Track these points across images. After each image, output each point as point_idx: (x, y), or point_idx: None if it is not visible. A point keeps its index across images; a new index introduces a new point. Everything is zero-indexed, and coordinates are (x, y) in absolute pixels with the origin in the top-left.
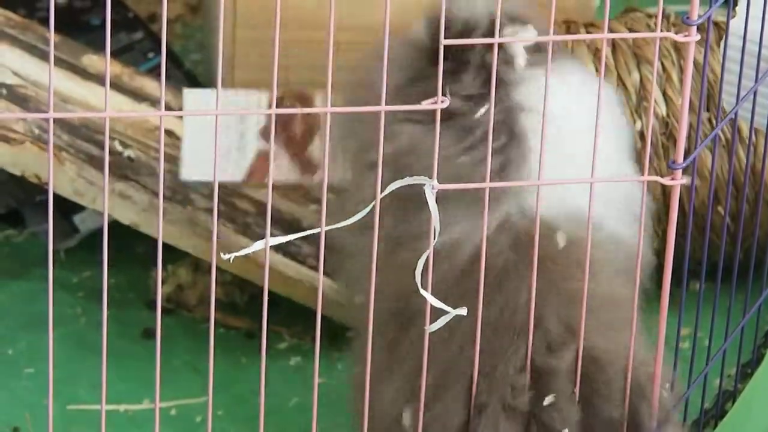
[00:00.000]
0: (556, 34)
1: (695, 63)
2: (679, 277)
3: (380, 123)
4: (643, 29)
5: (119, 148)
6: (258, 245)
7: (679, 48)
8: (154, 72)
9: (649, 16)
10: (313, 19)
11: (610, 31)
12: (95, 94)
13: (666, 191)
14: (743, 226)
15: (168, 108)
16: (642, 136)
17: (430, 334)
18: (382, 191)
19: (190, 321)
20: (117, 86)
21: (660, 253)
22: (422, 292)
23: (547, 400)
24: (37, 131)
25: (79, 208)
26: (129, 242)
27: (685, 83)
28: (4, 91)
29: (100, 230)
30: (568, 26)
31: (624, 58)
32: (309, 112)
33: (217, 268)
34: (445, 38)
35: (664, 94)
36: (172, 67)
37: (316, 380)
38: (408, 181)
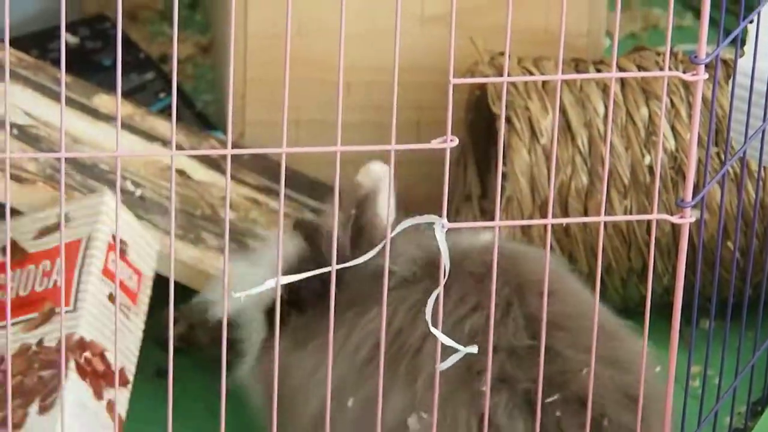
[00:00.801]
0: (565, 72)
1: (704, 98)
2: (689, 314)
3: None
4: (652, 67)
5: (131, 187)
6: (270, 283)
7: (687, 84)
8: (165, 112)
9: (658, 53)
10: (323, 59)
11: (620, 69)
12: (106, 134)
13: (675, 228)
14: (753, 261)
15: (179, 148)
16: (651, 170)
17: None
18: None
19: (203, 360)
20: (128, 126)
21: (669, 291)
22: (433, 330)
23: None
24: (49, 171)
25: None
26: None
27: (693, 122)
28: (16, 131)
29: None
30: (577, 64)
31: (633, 94)
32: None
33: None
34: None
35: (673, 128)
36: (183, 107)
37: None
38: (418, 219)
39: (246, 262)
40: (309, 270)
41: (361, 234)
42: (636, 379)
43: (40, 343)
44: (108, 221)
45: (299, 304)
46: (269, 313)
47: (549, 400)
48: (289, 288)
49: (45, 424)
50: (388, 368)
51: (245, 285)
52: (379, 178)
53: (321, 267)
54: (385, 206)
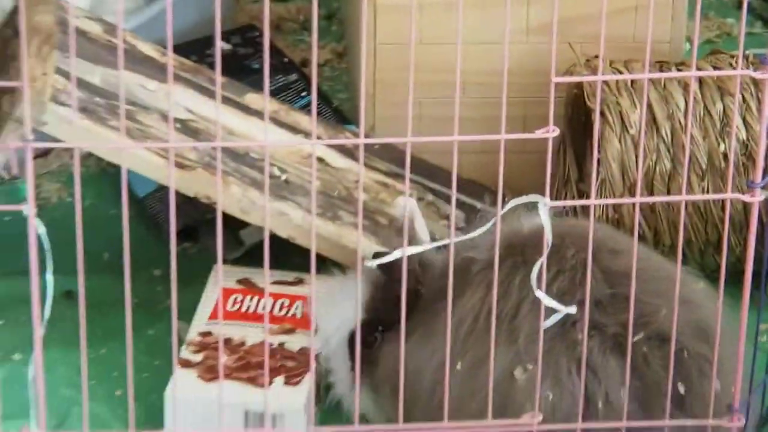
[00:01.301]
0: (651, 73)
1: None
2: (758, 281)
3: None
4: (726, 68)
5: (277, 172)
6: (397, 254)
7: (757, 82)
8: (306, 108)
9: (731, 56)
10: (442, 64)
11: (698, 69)
12: (256, 127)
13: (746, 206)
14: None
15: (318, 139)
16: (725, 157)
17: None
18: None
19: None
20: (275, 120)
21: (741, 260)
22: (537, 293)
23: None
24: (207, 159)
25: (244, 224)
26: (286, 252)
27: (762, 114)
28: (179, 125)
29: (262, 243)
30: (661, 65)
31: (709, 91)
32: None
33: None
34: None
35: (744, 120)
36: (322, 104)
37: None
38: (525, 199)
39: (329, 297)
40: (385, 296)
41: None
42: (705, 315)
43: (281, 344)
44: None
45: (383, 324)
46: (351, 342)
47: (635, 339)
48: (369, 312)
49: (289, 391)
50: (489, 333)
51: (331, 318)
52: (409, 209)
53: (396, 291)
54: (421, 230)
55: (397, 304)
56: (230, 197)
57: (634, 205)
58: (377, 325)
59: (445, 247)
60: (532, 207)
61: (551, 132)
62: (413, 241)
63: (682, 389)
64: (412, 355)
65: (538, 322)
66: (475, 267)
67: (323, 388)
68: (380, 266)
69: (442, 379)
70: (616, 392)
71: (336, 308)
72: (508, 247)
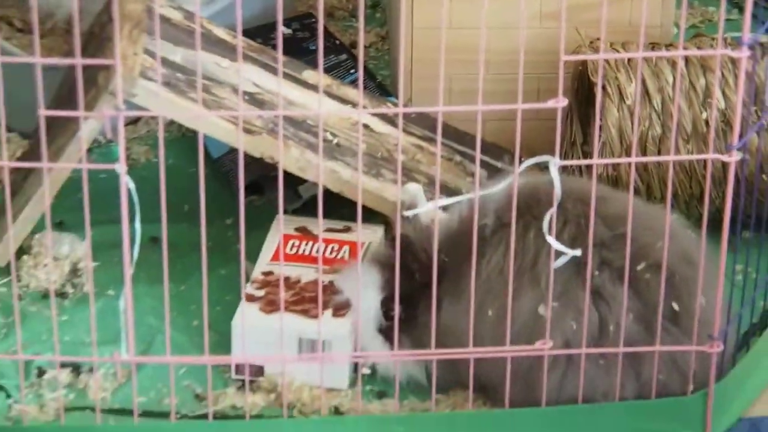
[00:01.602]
0: (645, 52)
1: (746, 72)
2: (735, 228)
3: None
4: (708, 48)
5: (330, 137)
6: (430, 205)
7: (734, 60)
8: (354, 83)
9: (713, 39)
10: (468, 45)
11: (684, 49)
12: (312, 98)
13: (724, 165)
14: None
15: (364, 108)
16: (707, 123)
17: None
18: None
19: None
20: (328, 93)
21: (720, 211)
22: (548, 238)
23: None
24: (270, 125)
25: (301, 180)
26: (336, 205)
27: (738, 88)
28: (247, 97)
29: (316, 196)
30: (653, 46)
31: (694, 68)
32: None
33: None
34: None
35: (723, 93)
36: (367, 80)
37: None
38: (535, 159)
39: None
40: (402, 269)
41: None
42: (687, 244)
43: (330, 282)
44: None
45: (408, 300)
46: (382, 331)
47: (639, 267)
48: (387, 291)
49: (337, 322)
50: (516, 280)
51: (356, 307)
52: (415, 194)
53: (413, 271)
54: (427, 214)
55: (414, 279)
56: (290, 158)
57: (630, 164)
58: (398, 301)
59: (461, 214)
60: (544, 166)
61: (560, 102)
62: (416, 223)
63: (676, 306)
64: (447, 312)
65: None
66: (487, 231)
67: None
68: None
69: (476, 328)
70: (625, 317)
71: (361, 297)
72: (518, 209)
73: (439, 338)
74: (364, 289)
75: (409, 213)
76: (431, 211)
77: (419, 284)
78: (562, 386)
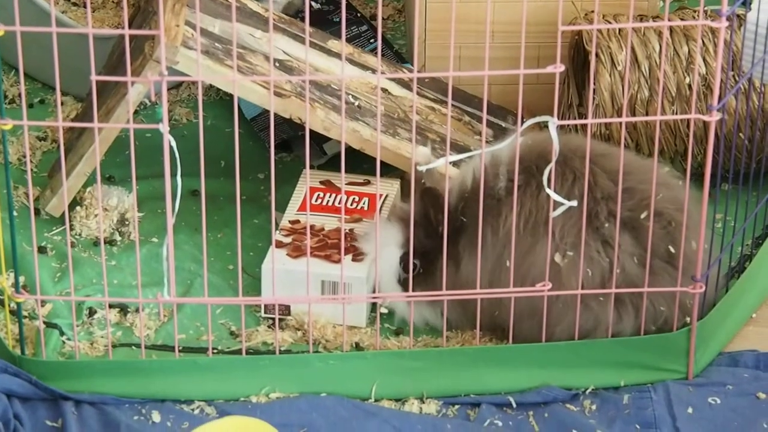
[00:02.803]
0: (634, 23)
1: (725, 40)
2: (715, 181)
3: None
4: (690, 19)
5: (351, 99)
6: (441, 161)
7: (714, 30)
8: (373, 51)
9: (694, 11)
10: (476, 16)
11: (669, 20)
12: (336, 65)
13: (705, 124)
14: (756, 146)
15: (383, 73)
16: (690, 87)
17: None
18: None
19: None
20: (350, 60)
21: (702, 166)
22: (547, 191)
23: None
24: (298, 89)
25: (326, 138)
26: (357, 161)
27: (718, 55)
28: (278, 64)
29: (339, 153)
30: (641, 17)
31: (678, 37)
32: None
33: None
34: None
35: (704, 59)
36: (385, 48)
37: None
38: (536, 119)
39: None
40: (425, 225)
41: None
42: (677, 192)
43: (351, 230)
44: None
45: (428, 255)
46: (402, 283)
47: (642, 216)
48: (406, 247)
49: (356, 266)
50: (531, 234)
51: (379, 261)
52: (428, 155)
53: (437, 224)
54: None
55: (437, 232)
56: (316, 118)
57: (621, 123)
58: (415, 255)
59: (474, 174)
60: (544, 125)
61: (558, 68)
62: (433, 176)
63: (672, 249)
64: (467, 268)
65: (569, 218)
66: (501, 192)
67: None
68: (425, 196)
69: (496, 278)
70: (630, 261)
71: (381, 252)
72: (527, 172)
73: (460, 290)
74: (386, 247)
75: (424, 167)
76: (443, 165)
77: (440, 238)
78: (574, 325)
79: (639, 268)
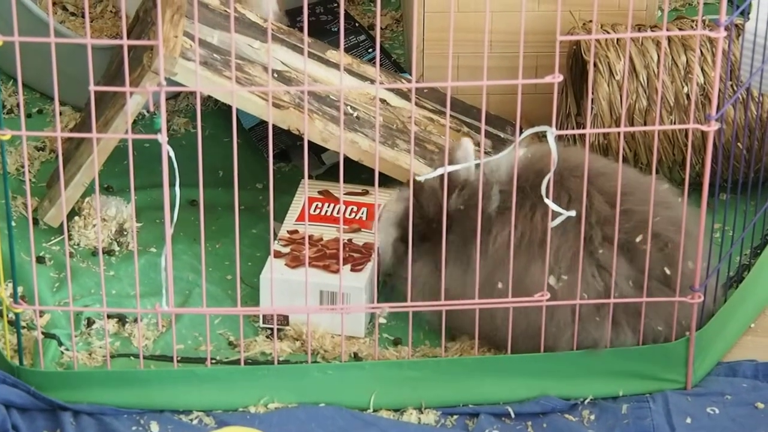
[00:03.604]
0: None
1: (723, 50)
2: (713, 190)
3: (519, 91)
4: (688, 29)
5: (350, 110)
6: (439, 172)
7: (712, 40)
8: (372, 61)
9: (693, 20)
10: (474, 26)
11: (667, 30)
12: (335, 75)
13: (704, 134)
14: (754, 155)
15: (381, 84)
16: (688, 97)
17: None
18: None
19: None
20: (348, 71)
21: (700, 175)
22: (546, 200)
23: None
24: (297, 100)
25: (324, 149)
26: (356, 171)
27: (716, 63)
28: (276, 75)
29: (338, 163)
30: (639, 27)
31: (676, 47)
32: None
33: None
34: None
35: (702, 69)
36: (384, 58)
37: None
38: (536, 129)
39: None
40: (414, 216)
41: (453, 188)
42: (676, 212)
43: (349, 240)
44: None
45: (423, 236)
46: (400, 240)
47: (638, 239)
48: (401, 228)
49: (354, 276)
50: (525, 254)
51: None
52: (468, 151)
53: (423, 214)
54: (467, 168)
55: (426, 223)
56: (314, 129)
57: (619, 133)
58: (406, 238)
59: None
60: (542, 135)
61: (556, 78)
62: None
63: (668, 271)
64: (453, 279)
65: (563, 243)
66: (492, 211)
67: (381, 282)
68: (414, 189)
69: (486, 295)
70: (625, 284)
71: (381, 227)
72: (522, 192)
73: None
74: (387, 225)
75: (422, 177)
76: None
77: (434, 229)
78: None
79: (634, 291)
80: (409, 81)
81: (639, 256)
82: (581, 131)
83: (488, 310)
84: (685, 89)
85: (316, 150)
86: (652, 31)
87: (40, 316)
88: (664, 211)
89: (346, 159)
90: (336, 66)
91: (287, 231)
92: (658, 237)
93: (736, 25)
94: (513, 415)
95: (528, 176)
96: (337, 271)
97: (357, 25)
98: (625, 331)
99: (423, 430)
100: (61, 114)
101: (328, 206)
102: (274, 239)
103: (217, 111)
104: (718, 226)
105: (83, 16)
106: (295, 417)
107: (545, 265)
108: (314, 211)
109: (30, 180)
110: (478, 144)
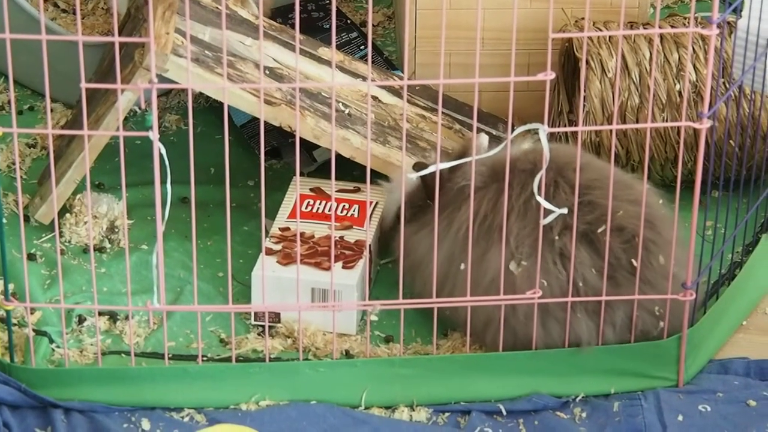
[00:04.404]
0: (624, 30)
1: (715, 48)
2: (705, 188)
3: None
4: (680, 27)
5: (342, 107)
6: (431, 169)
7: (704, 37)
8: (363, 58)
9: (685, 18)
10: (466, 23)
11: (660, 28)
12: (326, 72)
13: (696, 131)
14: (746, 153)
15: (373, 81)
16: (680, 94)
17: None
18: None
19: None
20: (340, 68)
21: (692, 172)
22: (538, 198)
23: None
24: (288, 97)
25: (316, 146)
26: (348, 168)
27: (708, 61)
28: (268, 72)
29: (329, 160)
30: (632, 25)
31: (668, 44)
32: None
33: None
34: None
35: (695, 66)
36: (375, 55)
37: None
38: (526, 126)
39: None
40: (421, 194)
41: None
42: (649, 211)
43: (341, 237)
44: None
45: (419, 207)
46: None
47: (599, 230)
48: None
49: (346, 273)
50: (484, 238)
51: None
52: (484, 144)
53: (428, 194)
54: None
55: (419, 206)
56: (306, 126)
57: (611, 131)
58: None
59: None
60: (534, 132)
61: (548, 76)
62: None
63: (635, 263)
64: (421, 242)
65: (524, 228)
66: (467, 191)
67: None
68: (418, 170)
69: (448, 272)
70: (589, 273)
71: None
72: (494, 175)
73: (415, 266)
74: (391, 193)
75: (414, 175)
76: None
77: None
78: (543, 334)
79: (599, 278)
80: (401, 78)
81: (601, 247)
82: (573, 129)
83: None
84: (678, 87)
85: (308, 147)
86: (645, 28)
87: (31, 314)
88: (635, 207)
89: (338, 156)
90: (328, 63)
91: (279, 228)
92: (623, 230)
93: (729, 23)
94: (504, 413)
95: (501, 161)
96: (328, 269)
97: (349, 22)
98: (600, 322)
99: (415, 428)
100: (52, 111)
101: (320, 203)
102: (266, 236)
103: (209, 108)
104: (710, 224)
105: (74, 13)
106: (287, 414)
107: (506, 249)
108: (306, 208)
109: (21, 177)
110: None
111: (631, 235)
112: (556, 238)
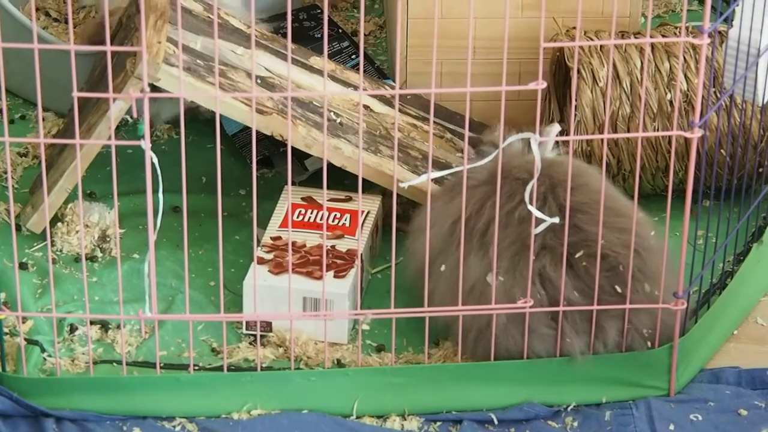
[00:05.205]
0: (615, 40)
1: (706, 57)
2: (696, 197)
3: (502, 98)
4: (672, 36)
5: (333, 117)
6: (423, 178)
7: (695, 47)
8: (355, 68)
9: (676, 27)
10: (458, 32)
11: (651, 37)
12: (318, 82)
13: (687, 141)
14: (737, 162)
15: (364, 90)
16: (671, 103)
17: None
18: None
19: None
20: (332, 77)
21: (683, 182)
22: (529, 207)
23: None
24: (280, 106)
25: (307, 155)
26: (339, 177)
27: (699, 72)
28: (259, 81)
29: (321, 170)
30: (623, 34)
31: (659, 54)
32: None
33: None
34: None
35: (686, 76)
36: (367, 64)
37: None
38: (521, 135)
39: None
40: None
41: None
42: (639, 238)
43: (333, 246)
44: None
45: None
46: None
47: (577, 255)
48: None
49: (338, 282)
50: (467, 240)
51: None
52: (551, 132)
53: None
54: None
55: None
56: (297, 135)
57: (602, 140)
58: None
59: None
60: (525, 142)
61: (540, 85)
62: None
63: (619, 289)
64: (416, 236)
65: (504, 239)
66: (470, 182)
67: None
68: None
69: (431, 269)
70: (570, 292)
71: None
72: (489, 177)
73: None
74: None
75: (406, 184)
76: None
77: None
78: (525, 347)
79: (585, 300)
80: (393, 87)
81: (580, 271)
82: (564, 138)
83: (430, 299)
84: (669, 96)
85: (300, 156)
86: (636, 37)
87: (23, 323)
88: (621, 234)
89: (330, 165)
90: (319, 72)
91: (270, 237)
92: (606, 258)
93: (720, 32)
94: (496, 422)
95: (492, 169)
96: (320, 278)
97: (340, 31)
98: (585, 339)
99: None
100: (44, 120)
101: (312, 212)
102: (258, 246)
103: (200, 117)
104: (702, 233)
105: (66, 22)
106: (278, 423)
107: (484, 258)
108: (297, 217)
109: (13, 186)
110: (461, 150)
111: (614, 264)
112: (533, 258)
